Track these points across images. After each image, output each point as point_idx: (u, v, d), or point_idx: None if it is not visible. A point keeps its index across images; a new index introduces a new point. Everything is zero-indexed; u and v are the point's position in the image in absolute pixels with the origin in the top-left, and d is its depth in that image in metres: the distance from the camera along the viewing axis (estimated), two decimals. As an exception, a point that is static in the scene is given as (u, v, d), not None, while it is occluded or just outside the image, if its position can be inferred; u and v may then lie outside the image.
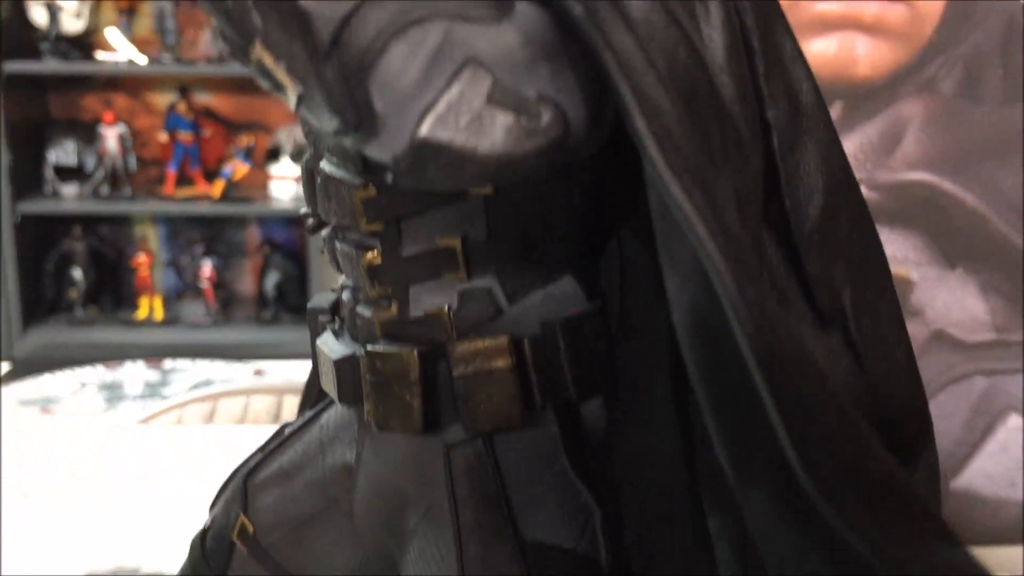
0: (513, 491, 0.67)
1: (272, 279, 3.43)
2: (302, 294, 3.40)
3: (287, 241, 3.51)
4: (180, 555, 1.49)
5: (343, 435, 0.78)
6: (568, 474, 0.68)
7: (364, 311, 0.70)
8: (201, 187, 3.37)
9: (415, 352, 0.66)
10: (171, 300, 3.49)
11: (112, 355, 3.20)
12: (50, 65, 3.18)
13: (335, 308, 0.76)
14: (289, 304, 3.41)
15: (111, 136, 3.30)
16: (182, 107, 3.37)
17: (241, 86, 3.37)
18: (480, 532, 0.67)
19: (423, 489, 0.70)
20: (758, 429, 0.47)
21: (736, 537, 0.66)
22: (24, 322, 3.26)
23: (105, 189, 3.31)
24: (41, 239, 3.34)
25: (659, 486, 0.72)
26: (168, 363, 3.21)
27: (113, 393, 3.05)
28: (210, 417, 1.84)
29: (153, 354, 3.23)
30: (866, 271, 0.58)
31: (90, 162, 3.32)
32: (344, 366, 0.70)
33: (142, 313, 3.43)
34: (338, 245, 0.70)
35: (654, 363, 0.71)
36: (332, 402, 0.82)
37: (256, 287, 3.49)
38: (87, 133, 3.34)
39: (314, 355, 0.76)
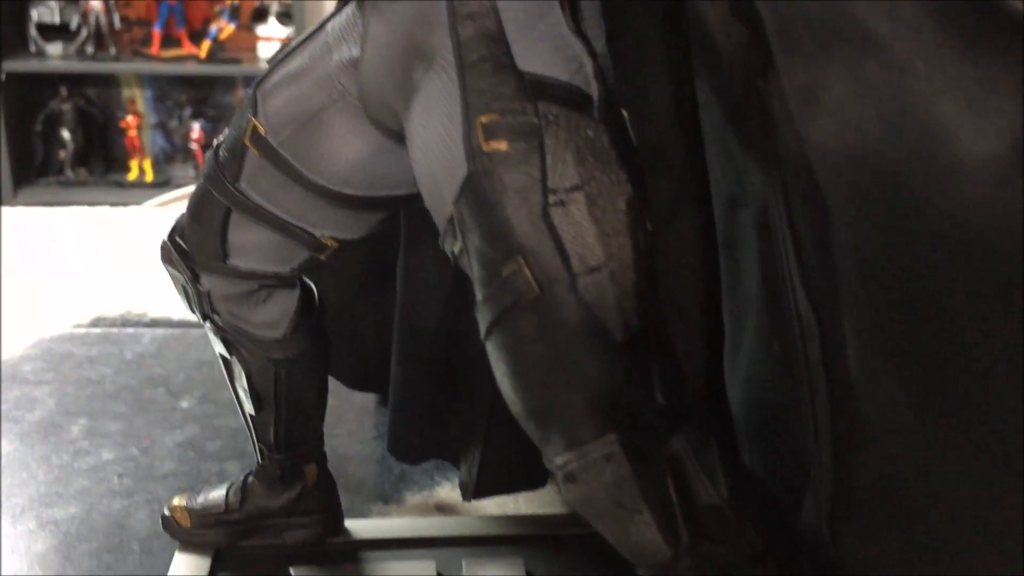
0: (511, 33, 0.72)
1: (260, 142, 3.45)
2: (291, 157, 3.42)
3: (274, 104, 3.52)
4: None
5: (349, 35, 0.82)
6: (562, 27, 0.73)
7: None
8: (187, 48, 3.37)
9: None
10: (160, 162, 3.51)
11: (104, 215, 3.23)
12: (28, -83, 3.16)
13: None
14: (278, 167, 3.43)
15: (94, -7, 3.29)
16: (165, -36, 3.35)
17: (224, -56, 3.34)
18: (481, 66, 0.71)
19: (428, 40, 0.73)
20: None
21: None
22: (15, 183, 3.28)
23: (90, 48, 3.30)
24: (28, 99, 3.34)
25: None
26: (160, 222, 3.23)
27: (107, 249, 3.08)
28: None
29: (145, 215, 3.25)
30: None
31: (74, 21, 3.30)
32: None
33: (132, 175, 3.45)
34: None
35: None
36: (337, 12, 0.86)
37: (245, 150, 3.51)
38: (70, -9, 3.32)
39: None
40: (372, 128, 0.82)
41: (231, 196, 0.88)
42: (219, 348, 0.99)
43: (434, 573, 1.06)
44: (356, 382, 1.30)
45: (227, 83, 3.49)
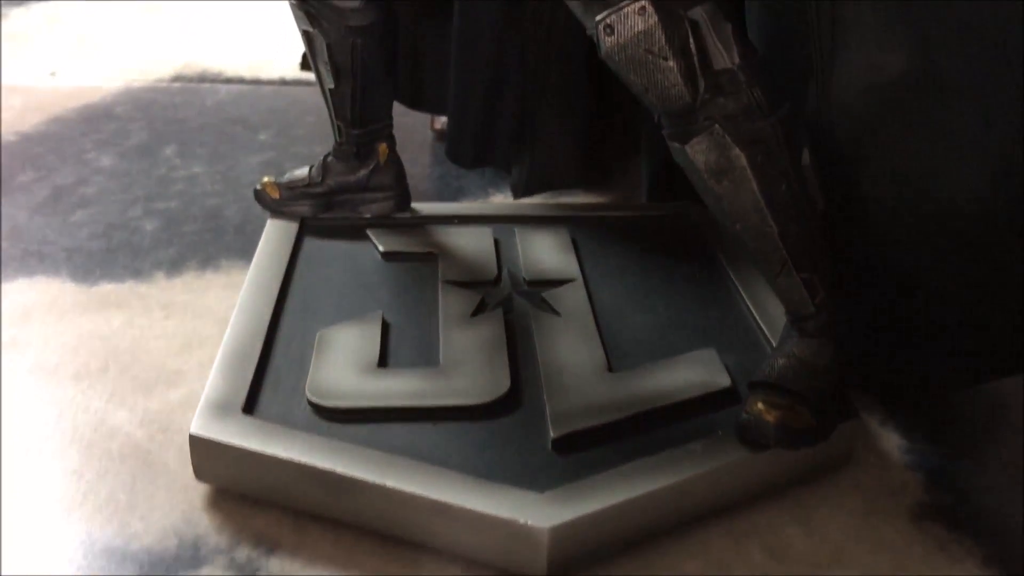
0: None
1: None
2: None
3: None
4: (257, 57, 1.68)
5: None
6: None
7: None
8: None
9: None
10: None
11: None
12: None
13: None
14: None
15: None
16: None
17: None
18: None
19: None
20: None
21: None
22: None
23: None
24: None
25: None
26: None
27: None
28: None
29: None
30: None
31: None
32: None
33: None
34: None
35: None
36: None
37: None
38: None
39: None
40: None
41: None
42: (303, 25, 1.13)
43: (491, 238, 1.21)
44: (417, 102, 1.45)
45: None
